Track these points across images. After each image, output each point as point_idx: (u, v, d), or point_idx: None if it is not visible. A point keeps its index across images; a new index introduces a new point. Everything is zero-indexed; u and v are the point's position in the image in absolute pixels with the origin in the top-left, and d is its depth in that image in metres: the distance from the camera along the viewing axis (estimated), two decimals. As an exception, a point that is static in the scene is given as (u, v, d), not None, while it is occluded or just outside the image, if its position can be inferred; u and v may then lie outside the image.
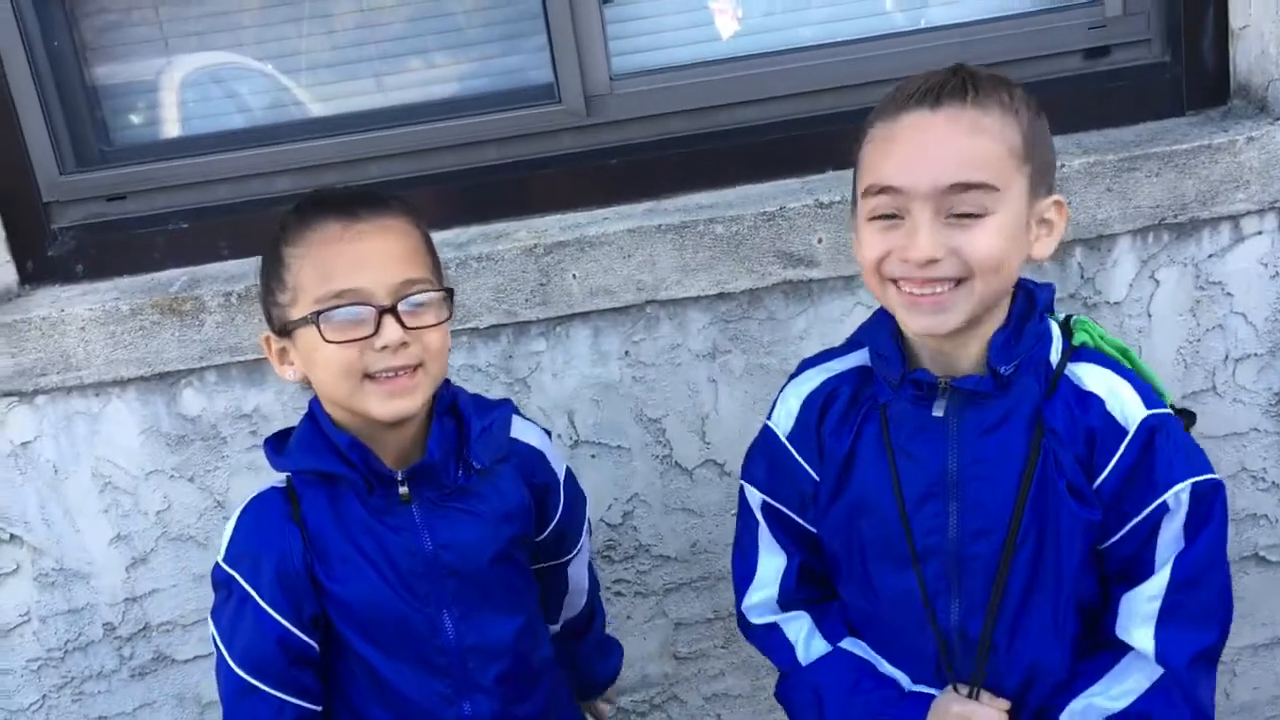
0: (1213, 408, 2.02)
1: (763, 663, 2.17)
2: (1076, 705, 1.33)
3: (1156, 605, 1.29)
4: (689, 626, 2.15)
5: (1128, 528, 1.31)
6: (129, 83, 2.16)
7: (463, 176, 2.09)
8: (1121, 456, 1.30)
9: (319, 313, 1.33)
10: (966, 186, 1.22)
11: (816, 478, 1.45)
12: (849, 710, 1.39)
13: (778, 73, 2.07)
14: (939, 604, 1.37)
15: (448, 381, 1.47)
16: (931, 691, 1.39)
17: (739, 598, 1.55)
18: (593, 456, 2.04)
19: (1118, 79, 2.06)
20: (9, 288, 2.07)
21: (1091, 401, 1.32)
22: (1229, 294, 1.98)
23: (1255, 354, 2.01)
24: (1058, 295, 1.93)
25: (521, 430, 1.55)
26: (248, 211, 2.10)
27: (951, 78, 1.26)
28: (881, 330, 1.38)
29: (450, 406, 1.47)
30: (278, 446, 1.47)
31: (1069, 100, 2.03)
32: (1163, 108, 2.05)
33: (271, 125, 2.16)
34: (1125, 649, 1.32)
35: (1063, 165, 1.88)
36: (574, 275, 1.94)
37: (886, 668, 1.42)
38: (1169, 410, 1.34)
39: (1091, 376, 1.34)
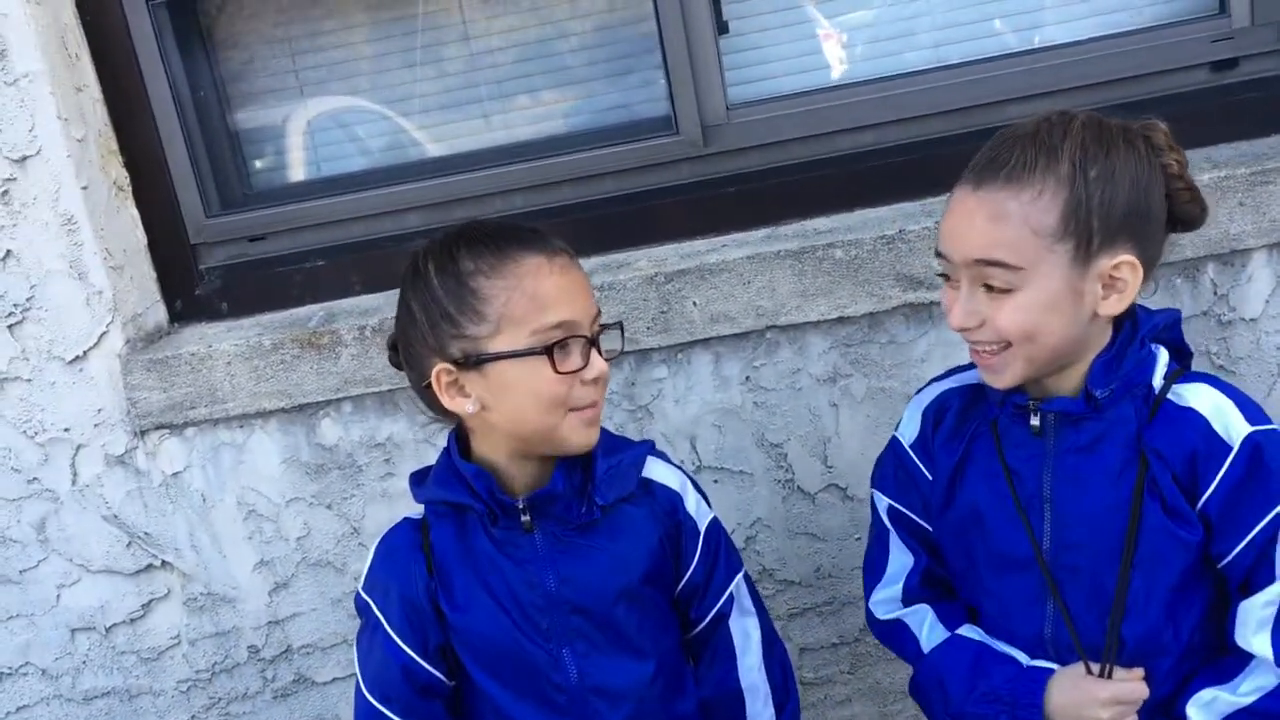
0: (1359, 426, 1.95)
1: (890, 689, 2.16)
2: (1204, 695, 1.35)
3: (1272, 611, 1.31)
4: (814, 652, 2.15)
5: (1244, 543, 1.32)
6: (266, 128, 2.28)
7: (584, 208, 2.14)
8: (1226, 473, 1.32)
9: (553, 345, 1.33)
10: (989, 264, 1.30)
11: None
12: (971, 691, 1.43)
13: (894, 96, 2.07)
14: (1036, 611, 1.42)
15: None
16: (1051, 666, 1.41)
17: (867, 595, 1.62)
18: (715, 482, 2.06)
19: (1248, 90, 2.01)
20: (160, 326, 2.19)
21: (1193, 419, 1.34)
22: (1373, 308, 1.91)
23: (1404, 369, 1.93)
24: (1190, 313, 1.91)
25: (658, 471, 1.52)
26: (378, 248, 2.18)
27: (1007, 149, 1.30)
28: None
29: None
30: (420, 480, 1.49)
31: (1197, 114, 1.99)
32: (1296, 118, 2.00)
33: (399, 165, 2.25)
34: (1250, 655, 1.33)
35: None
36: (694, 302, 1.97)
37: (1004, 647, 1.45)
38: (1276, 426, 1.34)
39: (1195, 395, 1.36)
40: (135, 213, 2.16)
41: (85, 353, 2.06)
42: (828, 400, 2.02)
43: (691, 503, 1.52)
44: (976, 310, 1.32)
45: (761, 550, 2.09)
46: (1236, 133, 2.00)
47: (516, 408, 1.36)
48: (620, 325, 1.46)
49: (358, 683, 1.49)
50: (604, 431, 1.48)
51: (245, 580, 2.17)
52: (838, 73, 2.17)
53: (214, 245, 2.21)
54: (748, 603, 1.56)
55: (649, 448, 1.53)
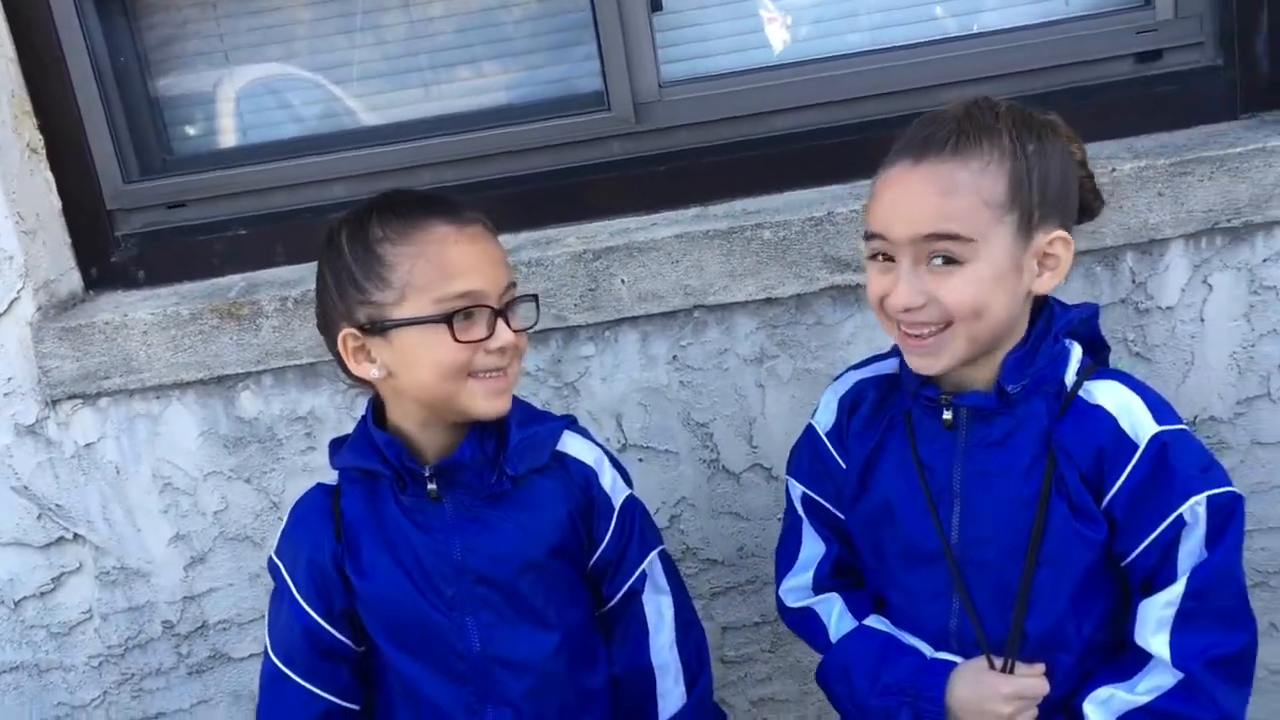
0: (1266, 414, 2.00)
1: (810, 667, 2.17)
2: (1101, 693, 1.36)
3: (1171, 612, 1.31)
4: (736, 630, 2.16)
5: (1146, 542, 1.33)
6: (189, 94, 2.22)
7: (513, 183, 2.12)
8: (1132, 472, 1.32)
9: (452, 313, 1.34)
10: (939, 237, 1.28)
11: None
12: (875, 682, 1.43)
13: (825, 79, 2.07)
14: (942, 605, 1.43)
15: None
16: (954, 659, 1.42)
17: (778, 582, 1.61)
18: (640, 460, 2.06)
19: (1170, 83, 2.05)
20: (74, 293, 2.13)
21: (1101, 417, 1.34)
22: (1284, 299, 1.96)
23: (1311, 360, 1.98)
24: (1109, 300, 1.94)
25: (574, 446, 1.52)
26: (304, 218, 2.14)
27: (942, 127, 1.30)
28: None
29: None
30: (338, 447, 1.50)
31: (1120, 104, 2.02)
32: (1216, 111, 2.03)
33: (326, 134, 2.20)
34: (1149, 655, 1.34)
35: (1113, 170, 1.87)
36: (622, 280, 1.96)
37: (909, 639, 1.46)
38: (1184, 426, 1.35)
39: (1105, 393, 1.36)
40: (50, 176, 2.10)
41: (-6, 319, 2.00)
42: (754, 380, 2.03)
43: (607, 479, 1.52)
44: (923, 289, 1.30)
45: (685, 529, 2.10)
46: (1158, 124, 2.04)
47: (418, 374, 1.37)
48: (535, 298, 1.46)
49: (265, 644, 1.51)
50: (523, 404, 1.49)
51: (160, 554, 2.13)
52: (771, 53, 2.16)
53: (131, 211, 2.16)
54: (662, 581, 1.56)
55: (567, 422, 1.54)
